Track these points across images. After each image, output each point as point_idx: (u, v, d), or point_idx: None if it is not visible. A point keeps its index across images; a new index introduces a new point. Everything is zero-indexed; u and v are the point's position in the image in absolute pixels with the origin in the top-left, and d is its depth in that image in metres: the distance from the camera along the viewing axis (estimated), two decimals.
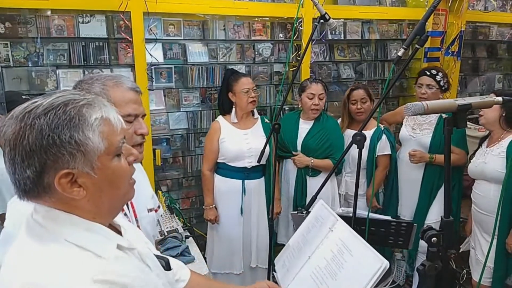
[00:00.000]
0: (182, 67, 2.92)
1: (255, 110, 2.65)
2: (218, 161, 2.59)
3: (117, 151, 0.78)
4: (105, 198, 0.77)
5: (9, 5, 2.28)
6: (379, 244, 1.75)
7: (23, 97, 2.03)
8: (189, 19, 2.84)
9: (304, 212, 1.71)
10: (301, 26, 2.95)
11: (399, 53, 1.61)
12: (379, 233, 1.79)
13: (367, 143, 2.54)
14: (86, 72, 2.59)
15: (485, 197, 2.30)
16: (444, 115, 1.91)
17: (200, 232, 2.93)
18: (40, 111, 0.70)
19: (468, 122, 2.93)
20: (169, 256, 1.11)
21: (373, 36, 3.49)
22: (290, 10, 2.93)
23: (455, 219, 2.56)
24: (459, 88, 3.90)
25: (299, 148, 2.67)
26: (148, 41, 2.59)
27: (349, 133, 2.71)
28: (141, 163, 1.33)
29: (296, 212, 1.76)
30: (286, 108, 3.26)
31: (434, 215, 2.63)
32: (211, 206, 2.60)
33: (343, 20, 3.31)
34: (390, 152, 2.70)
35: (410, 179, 2.72)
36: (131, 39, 2.49)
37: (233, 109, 2.56)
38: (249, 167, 2.54)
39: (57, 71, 2.54)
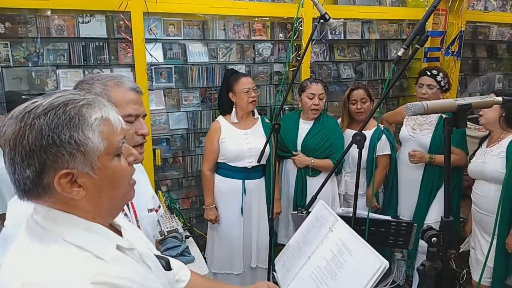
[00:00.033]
0: (182, 67, 2.92)
1: (255, 110, 2.65)
2: (219, 161, 2.59)
3: (117, 151, 0.78)
4: (105, 198, 0.77)
5: (9, 5, 2.28)
6: (379, 244, 1.75)
7: (23, 97, 2.02)
8: (189, 19, 2.84)
9: (304, 212, 1.71)
10: (301, 26, 2.95)
11: (399, 53, 1.61)
12: (379, 233, 1.80)
13: (367, 143, 2.54)
14: (86, 72, 2.59)
15: (485, 197, 2.30)
16: (444, 115, 1.91)
17: (200, 232, 2.93)
18: (40, 111, 0.70)
19: (468, 122, 2.93)
20: (169, 256, 1.12)
21: (373, 36, 3.49)
22: (290, 10, 2.93)
23: (455, 219, 2.56)
24: (459, 88, 3.90)
25: (299, 148, 2.67)
26: (148, 41, 2.59)
27: (349, 133, 2.71)
28: (141, 163, 1.33)
29: (296, 212, 1.76)
30: (286, 108, 3.26)
31: (434, 215, 2.63)
32: (211, 206, 2.60)
33: (343, 20, 3.31)
34: (390, 152, 2.70)
35: (410, 179, 2.72)
36: (131, 39, 2.49)
37: (234, 109, 2.56)
38: (250, 167, 2.54)
39: (57, 71, 2.54)
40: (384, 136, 2.66)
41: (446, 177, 1.19)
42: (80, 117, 0.72)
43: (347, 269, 1.18)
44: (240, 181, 2.56)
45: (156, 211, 1.39)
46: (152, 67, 2.76)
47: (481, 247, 2.38)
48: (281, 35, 3.15)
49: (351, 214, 1.69)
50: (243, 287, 2.34)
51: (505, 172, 2.11)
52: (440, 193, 2.62)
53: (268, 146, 2.22)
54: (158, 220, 1.61)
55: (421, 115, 2.49)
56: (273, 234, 2.20)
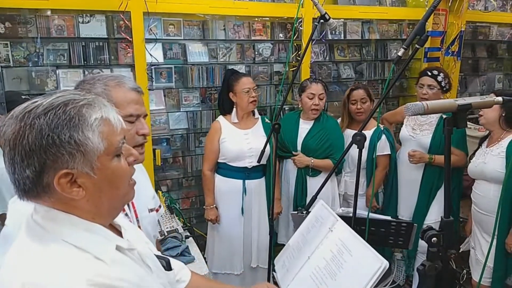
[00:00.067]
0: (182, 67, 2.92)
1: (255, 110, 2.65)
2: (219, 161, 2.59)
3: (117, 152, 0.78)
4: (104, 199, 0.77)
5: (9, 5, 2.28)
6: (379, 244, 1.75)
7: (23, 97, 2.02)
8: (189, 19, 2.84)
9: (304, 212, 1.71)
10: (301, 26, 2.95)
11: (399, 53, 1.61)
12: (379, 233, 1.79)
13: (366, 143, 2.54)
14: (86, 72, 2.59)
15: (485, 197, 2.30)
16: (444, 116, 1.91)
17: (200, 232, 2.93)
18: (40, 111, 0.70)
19: (468, 122, 2.93)
20: (169, 256, 1.12)
21: (373, 36, 3.49)
22: (290, 10, 2.92)
23: (455, 219, 2.57)
24: (459, 88, 3.90)
25: (299, 148, 2.67)
26: (148, 41, 2.59)
27: (349, 133, 2.71)
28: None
29: (296, 212, 1.76)
30: (286, 108, 3.26)
31: (434, 216, 2.63)
32: (211, 206, 2.60)
33: (343, 20, 3.31)
34: (389, 152, 2.70)
35: (409, 179, 2.72)
36: (131, 39, 2.48)
37: (234, 109, 2.56)
38: (250, 167, 2.54)
39: (57, 71, 2.54)
40: (384, 136, 2.66)
41: (446, 177, 1.19)
42: (80, 117, 0.72)
43: (347, 269, 1.18)
44: (241, 181, 2.56)
45: (157, 211, 1.39)
46: (152, 67, 2.76)
47: (481, 247, 2.38)
48: (281, 35, 3.15)
49: (351, 214, 1.69)
50: None
51: (505, 172, 2.11)
52: (440, 193, 2.62)
53: (268, 146, 2.22)
54: (158, 220, 1.61)
55: (421, 115, 2.50)
56: (273, 234, 2.20)
